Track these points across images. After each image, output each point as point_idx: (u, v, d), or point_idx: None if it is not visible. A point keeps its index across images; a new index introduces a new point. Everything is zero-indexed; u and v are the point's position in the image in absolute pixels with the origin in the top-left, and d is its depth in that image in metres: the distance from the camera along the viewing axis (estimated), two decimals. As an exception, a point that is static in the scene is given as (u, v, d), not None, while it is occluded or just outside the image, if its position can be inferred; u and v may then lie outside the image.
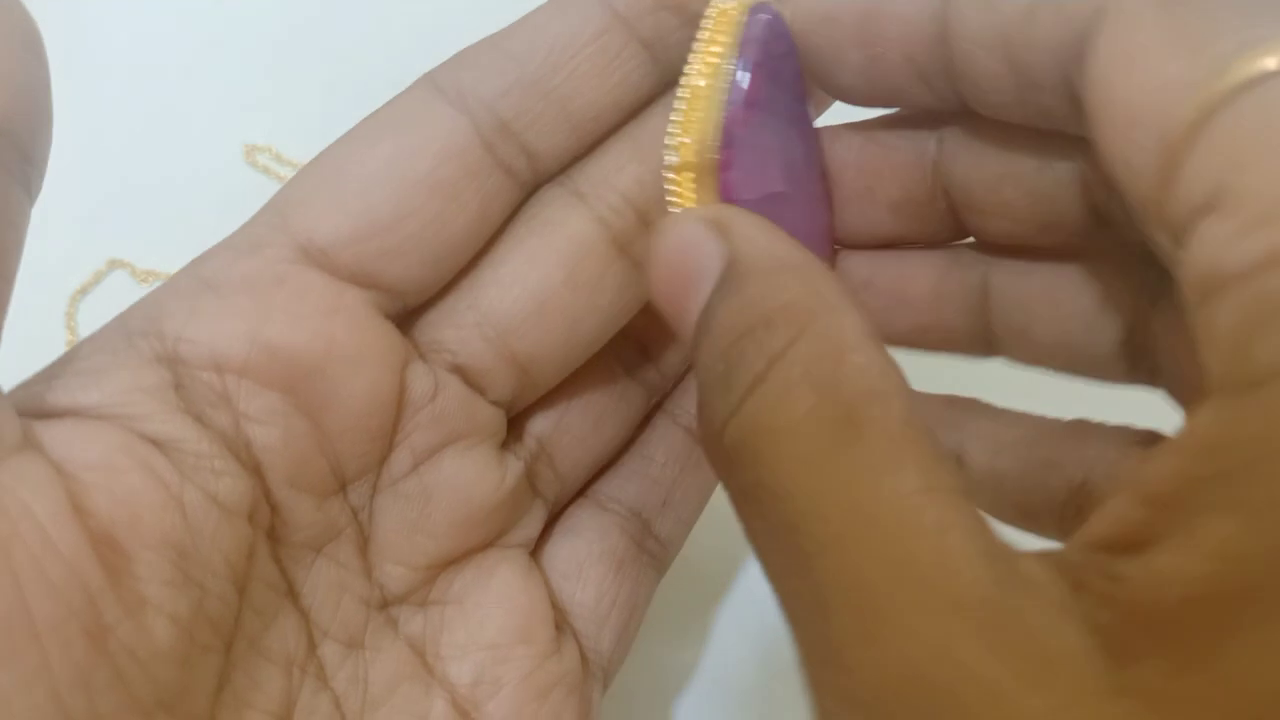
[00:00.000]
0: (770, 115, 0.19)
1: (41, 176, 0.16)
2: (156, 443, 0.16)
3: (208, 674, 0.16)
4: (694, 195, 0.18)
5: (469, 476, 0.19)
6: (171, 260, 0.31)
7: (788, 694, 0.26)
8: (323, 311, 0.18)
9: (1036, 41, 0.15)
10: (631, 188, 0.20)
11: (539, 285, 0.19)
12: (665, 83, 0.20)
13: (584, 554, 0.21)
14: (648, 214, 0.19)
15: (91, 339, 0.18)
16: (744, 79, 0.18)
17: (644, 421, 0.23)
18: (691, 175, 0.18)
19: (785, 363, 0.13)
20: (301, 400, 0.18)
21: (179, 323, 0.17)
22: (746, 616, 0.27)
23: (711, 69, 0.18)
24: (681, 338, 0.15)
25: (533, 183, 0.20)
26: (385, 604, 0.19)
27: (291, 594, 0.18)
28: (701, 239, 0.15)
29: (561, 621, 0.20)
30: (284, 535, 0.18)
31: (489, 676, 0.19)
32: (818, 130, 0.20)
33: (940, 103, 0.17)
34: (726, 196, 0.18)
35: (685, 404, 0.23)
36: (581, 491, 0.22)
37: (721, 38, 0.18)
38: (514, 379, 0.20)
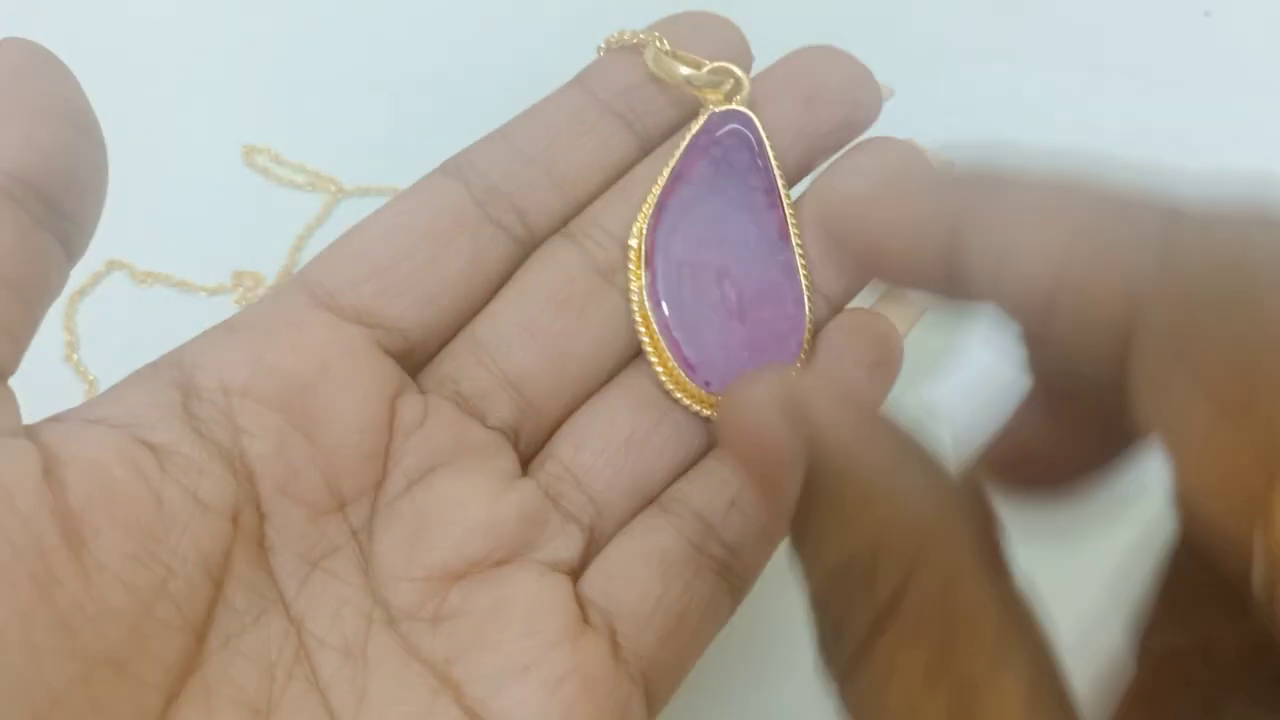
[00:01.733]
0: (710, 194, 0.22)
1: (82, 237, 0.18)
2: (151, 446, 0.18)
3: (168, 650, 0.17)
4: (639, 272, 0.21)
5: (460, 496, 0.20)
6: (170, 261, 0.31)
7: None
8: (321, 341, 0.20)
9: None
10: (614, 224, 0.22)
11: (525, 309, 0.21)
12: (644, 146, 0.23)
13: (631, 553, 0.21)
14: (629, 245, 0.22)
15: (128, 376, 0.20)
16: (677, 158, 0.22)
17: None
18: (634, 254, 0.21)
19: (896, 626, 0.12)
20: (296, 417, 0.19)
21: (195, 354, 0.20)
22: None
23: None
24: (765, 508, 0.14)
25: (528, 237, 0.22)
26: (393, 620, 0.20)
27: (282, 601, 0.19)
28: (777, 431, 0.14)
29: (597, 620, 0.20)
30: (276, 545, 0.19)
31: (495, 674, 0.19)
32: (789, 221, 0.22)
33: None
34: (651, 259, 0.21)
35: None
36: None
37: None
38: (510, 400, 0.21)
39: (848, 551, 0.13)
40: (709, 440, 0.22)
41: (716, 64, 0.22)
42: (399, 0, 0.35)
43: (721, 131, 0.22)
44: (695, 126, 0.22)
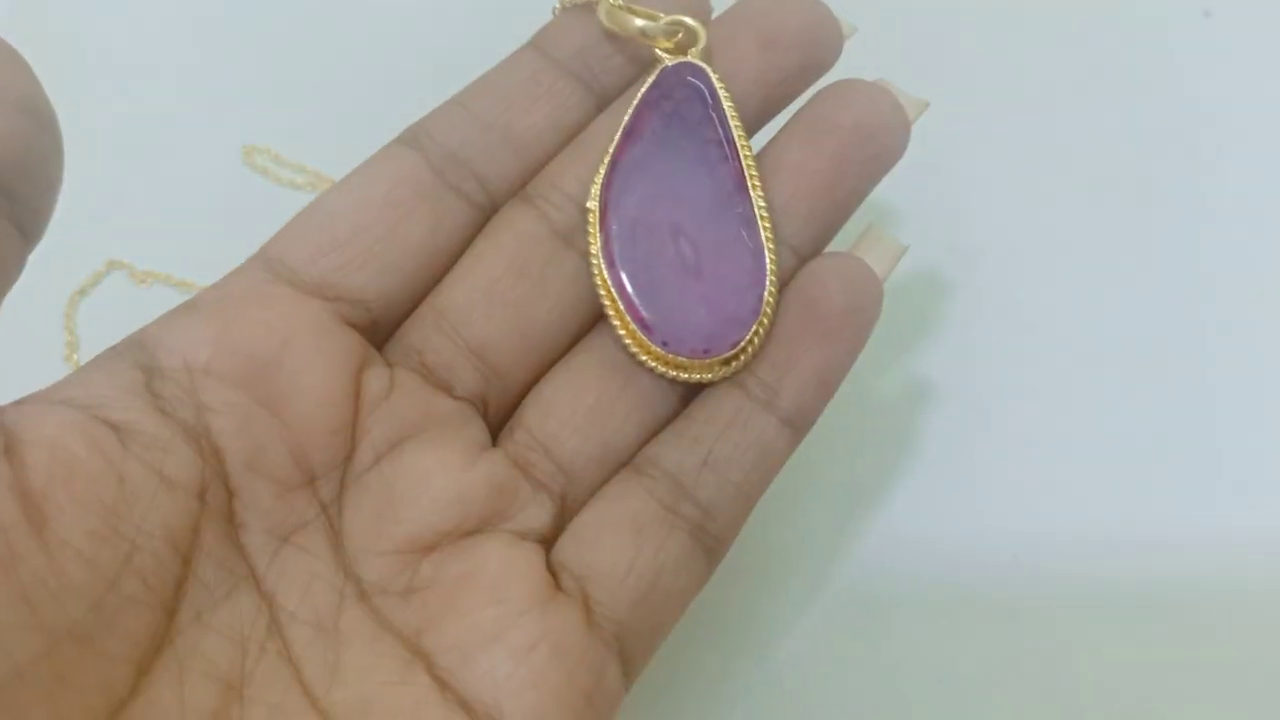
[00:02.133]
0: (662, 150, 0.22)
1: (38, 221, 0.17)
2: (113, 425, 0.18)
3: (136, 625, 0.17)
4: (596, 235, 0.21)
5: (428, 466, 0.20)
6: (170, 261, 0.31)
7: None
8: (283, 316, 0.20)
9: None
10: (572, 186, 0.22)
11: (485, 276, 0.21)
12: (601, 105, 0.22)
13: (602, 517, 0.21)
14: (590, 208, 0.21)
15: (91, 359, 0.20)
16: (629, 115, 0.21)
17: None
18: (592, 216, 0.21)
19: None
20: (260, 393, 0.19)
21: (157, 334, 0.20)
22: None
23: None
24: None
25: (489, 203, 0.22)
26: (365, 594, 0.20)
27: (253, 576, 0.19)
28: None
29: (570, 586, 0.20)
30: (246, 521, 0.19)
31: (465, 643, 0.19)
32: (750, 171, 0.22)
33: None
34: (605, 219, 0.21)
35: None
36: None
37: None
38: (475, 370, 0.21)
39: None
40: (679, 404, 0.22)
41: (672, 16, 0.22)
42: (399, 0, 0.35)
43: (674, 85, 0.22)
44: (648, 81, 0.22)
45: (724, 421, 0.21)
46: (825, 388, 0.21)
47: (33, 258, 0.18)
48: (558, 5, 0.23)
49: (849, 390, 0.22)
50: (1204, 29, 0.34)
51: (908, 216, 0.32)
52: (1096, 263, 0.31)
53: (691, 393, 0.22)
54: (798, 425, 0.21)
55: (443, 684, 0.19)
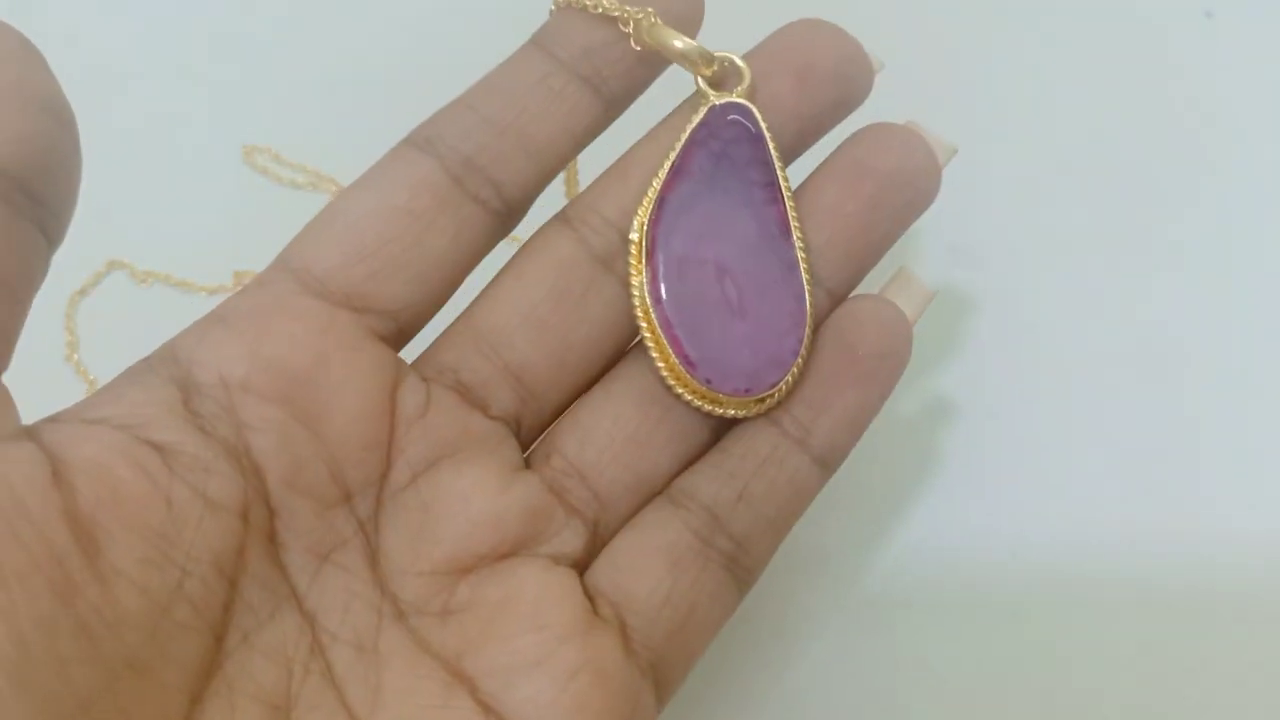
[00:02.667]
0: (710, 190, 0.22)
1: (60, 224, 0.18)
2: (156, 446, 0.18)
3: (188, 651, 0.17)
4: (640, 267, 0.21)
5: (464, 487, 0.20)
6: (170, 261, 0.31)
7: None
8: (316, 331, 0.20)
9: None
10: (613, 212, 0.22)
11: (524, 298, 0.21)
12: (609, 110, 0.22)
13: (639, 547, 0.21)
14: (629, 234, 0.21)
15: (122, 372, 0.19)
16: (678, 151, 0.22)
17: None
18: (634, 248, 0.21)
19: None
20: (298, 410, 0.19)
21: (190, 349, 0.19)
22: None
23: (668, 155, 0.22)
24: None
25: (505, 210, 0.21)
26: (402, 614, 0.20)
27: (295, 596, 0.19)
28: None
29: (607, 613, 0.20)
30: (286, 540, 0.19)
31: (507, 668, 0.19)
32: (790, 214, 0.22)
33: None
34: (652, 255, 0.21)
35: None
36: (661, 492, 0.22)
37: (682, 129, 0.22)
38: (512, 391, 0.21)
39: None
40: (711, 434, 0.22)
41: (721, 53, 0.22)
42: (399, 0, 0.35)
43: (721, 124, 0.22)
44: (695, 120, 0.22)
45: (760, 458, 0.21)
46: (856, 428, 0.22)
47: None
48: (554, 5, 0.22)
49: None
50: (1204, 29, 0.34)
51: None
52: (1096, 263, 0.31)
53: (723, 426, 0.22)
54: (829, 463, 0.22)
55: (486, 708, 0.19)
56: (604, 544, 0.21)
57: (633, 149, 0.23)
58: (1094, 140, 0.33)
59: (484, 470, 0.20)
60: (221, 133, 0.33)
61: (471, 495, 0.20)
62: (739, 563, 0.21)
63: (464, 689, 0.19)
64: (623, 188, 0.22)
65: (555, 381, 0.21)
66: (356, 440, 0.20)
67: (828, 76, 0.22)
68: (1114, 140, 0.33)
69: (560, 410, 0.22)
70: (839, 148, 0.23)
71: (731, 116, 0.22)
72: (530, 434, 0.22)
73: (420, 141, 0.21)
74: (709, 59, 0.22)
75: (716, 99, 0.22)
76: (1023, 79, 0.34)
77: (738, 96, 0.22)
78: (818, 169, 0.23)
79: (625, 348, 0.22)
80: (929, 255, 0.31)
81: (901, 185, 0.22)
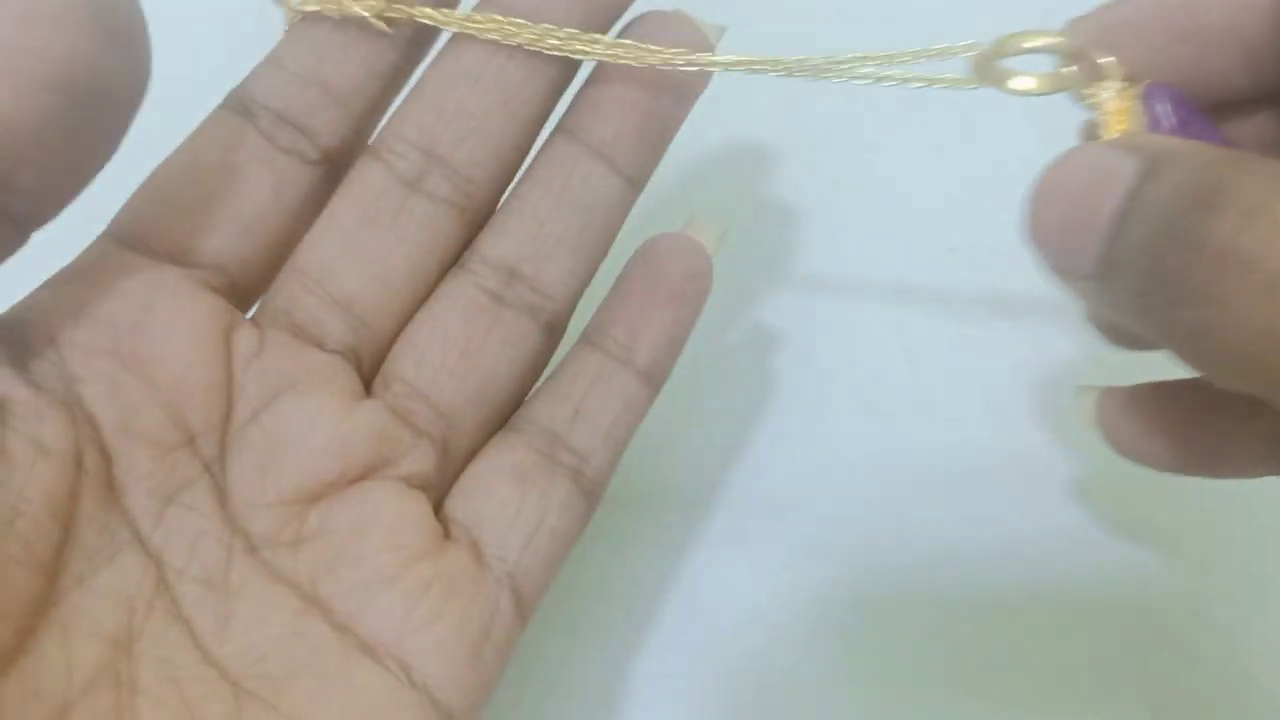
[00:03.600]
0: None
1: (32, 211, 0.17)
2: None
3: (19, 585, 0.18)
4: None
5: (306, 417, 0.21)
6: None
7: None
8: (142, 283, 0.20)
9: None
10: (413, 133, 0.22)
11: (339, 229, 0.22)
12: (411, 46, 0.22)
13: (487, 470, 0.22)
14: (436, 154, 0.22)
15: None
16: (1165, 112, 0.19)
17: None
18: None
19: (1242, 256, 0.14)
20: (127, 359, 0.20)
21: (21, 312, 0.20)
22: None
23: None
24: (1069, 254, 0.17)
25: (324, 159, 0.22)
26: (254, 548, 0.20)
27: (139, 539, 0.19)
28: (1110, 153, 0.17)
29: (457, 532, 0.21)
30: (126, 484, 0.19)
31: (362, 588, 0.20)
32: None
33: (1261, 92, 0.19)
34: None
35: (597, 323, 0.23)
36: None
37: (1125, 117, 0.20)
38: (344, 322, 0.22)
39: (1185, 200, 0.15)
40: (542, 338, 0.23)
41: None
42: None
43: (1170, 92, 0.20)
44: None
45: (590, 377, 0.23)
46: (675, 344, 0.23)
47: (33, 254, 0.18)
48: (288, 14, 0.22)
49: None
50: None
51: (909, 216, 0.32)
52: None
53: (551, 333, 0.23)
54: (653, 379, 0.23)
55: (342, 629, 0.20)
56: (456, 464, 0.22)
57: (427, 70, 0.23)
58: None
59: (324, 399, 0.21)
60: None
61: (314, 423, 0.21)
62: (583, 474, 0.23)
63: (318, 613, 0.20)
64: (425, 108, 0.22)
65: (384, 307, 0.22)
66: (193, 384, 0.20)
67: None
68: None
69: (395, 338, 0.22)
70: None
71: (1179, 96, 0.20)
72: (371, 366, 0.22)
73: (233, 104, 0.22)
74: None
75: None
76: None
77: None
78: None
79: (448, 265, 0.23)
80: (929, 255, 0.31)
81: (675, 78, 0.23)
